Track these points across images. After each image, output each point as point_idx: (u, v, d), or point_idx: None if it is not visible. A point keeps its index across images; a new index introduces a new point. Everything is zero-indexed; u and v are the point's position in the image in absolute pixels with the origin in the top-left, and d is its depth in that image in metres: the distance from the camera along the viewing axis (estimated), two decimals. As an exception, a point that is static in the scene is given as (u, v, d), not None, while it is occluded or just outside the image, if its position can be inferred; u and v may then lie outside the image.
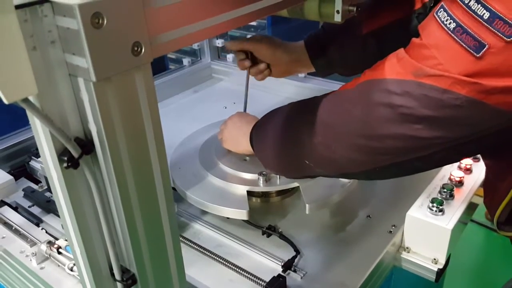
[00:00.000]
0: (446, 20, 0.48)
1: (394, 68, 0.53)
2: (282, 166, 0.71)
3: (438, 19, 0.50)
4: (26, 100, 0.32)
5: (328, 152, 0.60)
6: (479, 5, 0.45)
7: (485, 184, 0.73)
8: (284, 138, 0.67)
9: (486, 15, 0.45)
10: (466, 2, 0.47)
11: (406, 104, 0.50)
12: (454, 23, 0.47)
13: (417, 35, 0.75)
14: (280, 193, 0.88)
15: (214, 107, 1.31)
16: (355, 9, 0.68)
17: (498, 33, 0.44)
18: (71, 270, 0.70)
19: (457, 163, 0.88)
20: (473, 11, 0.46)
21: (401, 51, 0.54)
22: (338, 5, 0.68)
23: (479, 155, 0.90)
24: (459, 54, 0.47)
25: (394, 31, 0.80)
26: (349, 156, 0.58)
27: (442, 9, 0.50)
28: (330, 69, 0.89)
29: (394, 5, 0.80)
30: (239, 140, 0.82)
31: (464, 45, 0.46)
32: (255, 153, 0.75)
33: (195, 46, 1.53)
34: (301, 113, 0.66)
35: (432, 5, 0.71)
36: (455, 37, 0.47)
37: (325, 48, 0.86)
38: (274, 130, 0.69)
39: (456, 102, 0.48)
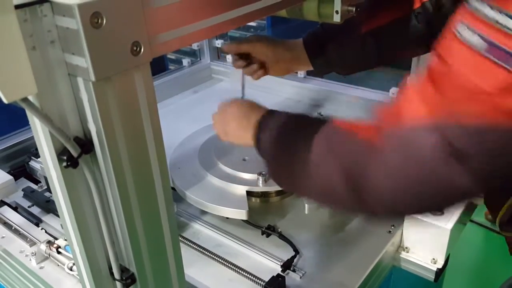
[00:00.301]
0: (472, 38, 0.45)
1: (425, 106, 0.47)
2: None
3: (462, 38, 0.46)
4: (25, 100, 0.32)
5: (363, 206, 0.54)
6: (503, 15, 0.42)
7: None
8: (311, 186, 0.59)
9: None
10: (490, 16, 0.43)
11: (450, 145, 0.45)
12: (483, 41, 0.44)
13: (417, 35, 0.75)
14: (280, 193, 0.88)
15: (214, 107, 1.30)
16: (354, 9, 0.68)
17: None
18: (71, 269, 0.70)
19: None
20: (500, 23, 0.43)
21: (424, 86, 0.48)
22: (337, 6, 0.68)
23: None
24: (492, 70, 0.43)
25: (392, 31, 0.80)
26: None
27: (464, 27, 0.46)
28: (329, 68, 0.89)
29: (393, 4, 0.81)
30: (241, 135, 0.74)
31: (498, 61, 0.43)
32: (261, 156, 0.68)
33: (194, 46, 1.53)
34: (328, 156, 0.56)
35: (438, 7, 0.71)
36: (486, 55, 0.44)
37: (323, 47, 0.86)
38: (290, 161, 0.61)
39: (497, 133, 0.44)
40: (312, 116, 0.67)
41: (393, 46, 0.82)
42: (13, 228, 0.81)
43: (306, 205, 0.75)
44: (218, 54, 1.56)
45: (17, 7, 0.31)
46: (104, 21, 0.33)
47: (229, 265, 0.73)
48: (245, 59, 0.89)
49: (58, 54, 0.34)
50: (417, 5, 0.78)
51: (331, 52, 0.86)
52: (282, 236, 0.79)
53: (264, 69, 0.89)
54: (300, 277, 0.71)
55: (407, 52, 0.87)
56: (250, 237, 0.80)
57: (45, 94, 0.34)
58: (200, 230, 0.83)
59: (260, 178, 0.80)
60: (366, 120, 0.56)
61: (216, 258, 0.75)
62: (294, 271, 0.72)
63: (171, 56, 2.22)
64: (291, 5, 0.55)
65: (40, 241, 0.76)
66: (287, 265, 0.72)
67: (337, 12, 0.68)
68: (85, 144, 0.37)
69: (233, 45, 0.90)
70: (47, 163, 0.39)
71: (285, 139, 0.64)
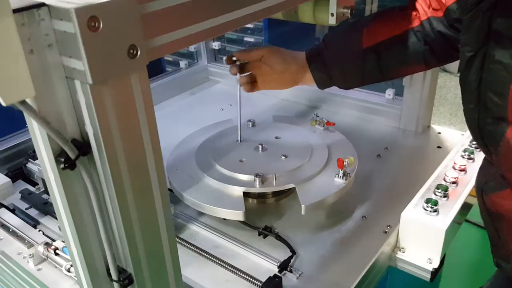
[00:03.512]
0: None
1: None
2: None
3: None
4: (23, 103, 0.32)
5: None
6: None
7: None
8: None
9: None
10: None
11: None
12: None
13: (416, 52, 0.77)
14: (276, 194, 0.89)
15: (211, 109, 1.31)
16: (349, 11, 0.69)
17: None
18: (68, 271, 0.70)
19: (452, 164, 0.89)
20: None
21: None
22: (333, 8, 0.68)
23: (473, 156, 0.91)
24: None
25: (392, 47, 0.81)
26: None
27: None
28: (330, 82, 0.89)
29: (392, 21, 0.82)
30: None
31: None
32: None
33: (192, 48, 1.53)
34: None
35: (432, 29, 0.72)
36: None
37: (325, 62, 0.86)
38: None
39: None
40: None
41: (393, 62, 0.83)
42: (10, 230, 0.81)
43: (302, 206, 0.76)
44: (215, 56, 1.56)
45: (15, 11, 0.31)
46: (101, 25, 0.33)
47: (226, 266, 0.74)
48: (239, 67, 0.89)
49: (55, 57, 0.34)
50: (416, 23, 0.79)
51: (332, 67, 0.86)
52: (279, 237, 0.79)
53: (255, 84, 0.91)
54: (297, 278, 0.72)
55: (406, 69, 0.88)
56: (247, 238, 0.80)
57: (43, 96, 0.35)
58: (197, 231, 0.83)
59: (257, 179, 0.80)
60: None
61: (213, 259, 0.75)
62: (291, 271, 0.72)
63: (168, 58, 2.22)
64: (287, 8, 0.56)
65: (37, 243, 0.76)
66: (284, 266, 0.73)
67: (332, 14, 0.69)
68: (83, 146, 0.38)
69: (242, 53, 0.89)
70: (45, 165, 0.39)
71: None
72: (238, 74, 0.90)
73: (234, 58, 0.90)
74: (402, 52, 0.81)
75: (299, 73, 0.89)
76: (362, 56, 0.83)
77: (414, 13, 0.80)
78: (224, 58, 0.93)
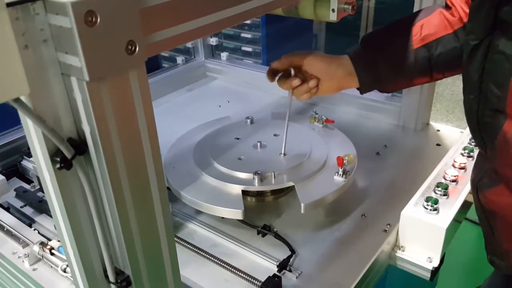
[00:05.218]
0: None
1: None
2: None
3: None
4: (17, 100, 0.31)
5: None
6: None
7: None
8: None
9: None
10: None
11: None
12: None
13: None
14: (275, 192, 0.88)
15: (208, 106, 1.30)
16: (350, 7, 0.68)
17: None
18: (64, 271, 0.69)
19: (451, 162, 0.88)
20: None
21: None
22: (334, 4, 0.67)
23: (473, 154, 0.90)
24: None
25: (445, 45, 0.78)
26: None
27: None
28: (374, 85, 0.85)
29: (443, 19, 0.78)
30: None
31: None
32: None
33: (189, 44, 1.52)
34: None
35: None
36: None
37: (375, 62, 0.81)
38: None
39: None
40: None
41: (446, 60, 0.79)
42: (5, 229, 0.80)
43: (302, 204, 0.75)
44: (213, 52, 1.55)
45: (9, 5, 0.30)
46: (98, 20, 0.32)
47: (224, 265, 0.73)
48: (287, 76, 0.83)
49: (51, 53, 0.33)
50: (461, 24, 0.77)
51: (383, 68, 0.82)
52: (278, 236, 0.78)
53: (317, 87, 0.84)
54: (296, 277, 0.71)
55: (455, 70, 0.82)
56: (246, 237, 0.79)
57: (38, 94, 0.34)
58: (195, 230, 0.83)
59: (256, 178, 0.79)
60: None
61: (212, 258, 0.75)
62: (290, 271, 0.72)
63: (165, 53, 2.21)
64: (288, 3, 0.55)
65: (33, 242, 0.75)
66: (283, 265, 0.72)
67: (333, 10, 0.68)
68: (79, 145, 0.37)
69: (281, 61, 0.84)
70: (40, 164, 0.38)
71: None
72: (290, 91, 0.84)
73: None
74: (453, 51, 0.78)
75: (345, 78, 0.83)
76: (415, 55, 0.79)
77: (457, 14, 0.77)
78: (266, 73, 0.86)
